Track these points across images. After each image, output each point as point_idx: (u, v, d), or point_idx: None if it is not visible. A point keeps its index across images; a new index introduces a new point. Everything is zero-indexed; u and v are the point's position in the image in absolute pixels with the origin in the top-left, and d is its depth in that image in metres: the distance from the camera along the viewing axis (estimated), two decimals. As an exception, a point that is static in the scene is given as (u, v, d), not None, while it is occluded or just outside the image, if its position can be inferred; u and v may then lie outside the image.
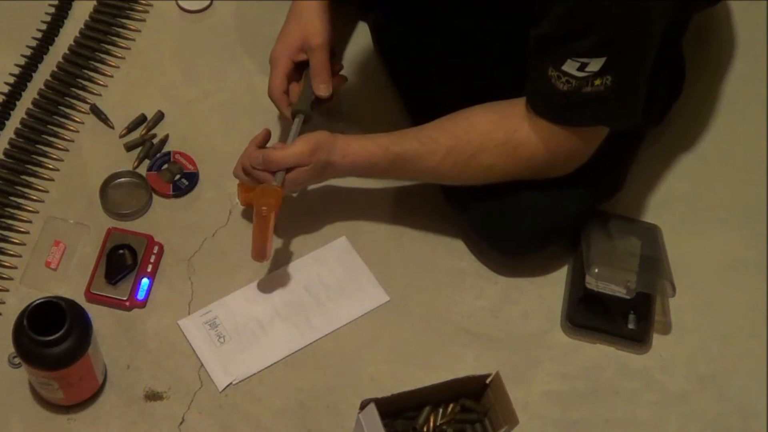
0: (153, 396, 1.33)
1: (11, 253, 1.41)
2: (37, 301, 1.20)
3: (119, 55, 1.60)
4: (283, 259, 1.43)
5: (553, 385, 1.38)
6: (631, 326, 1.40)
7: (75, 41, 1.60)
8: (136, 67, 1.59)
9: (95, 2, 1.64)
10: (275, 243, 1.43)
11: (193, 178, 1.49)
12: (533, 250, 1.43)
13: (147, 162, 1.50)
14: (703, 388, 1.39)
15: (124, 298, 1.38)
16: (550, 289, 1.44)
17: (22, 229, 1.43)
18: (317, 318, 1.39)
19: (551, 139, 1.29)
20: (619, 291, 1.37)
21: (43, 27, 1.61)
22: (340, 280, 1.42)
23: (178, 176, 1.48)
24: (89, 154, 1.51)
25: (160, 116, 1.54)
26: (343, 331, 1.39)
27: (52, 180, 1.48)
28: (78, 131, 1.53)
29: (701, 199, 1.53)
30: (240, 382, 1.34)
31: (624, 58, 1.20)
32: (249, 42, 1.62)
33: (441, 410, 1.28)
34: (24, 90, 1.55)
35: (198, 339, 1.36)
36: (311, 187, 1.44)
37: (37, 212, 1.45)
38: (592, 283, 1.36)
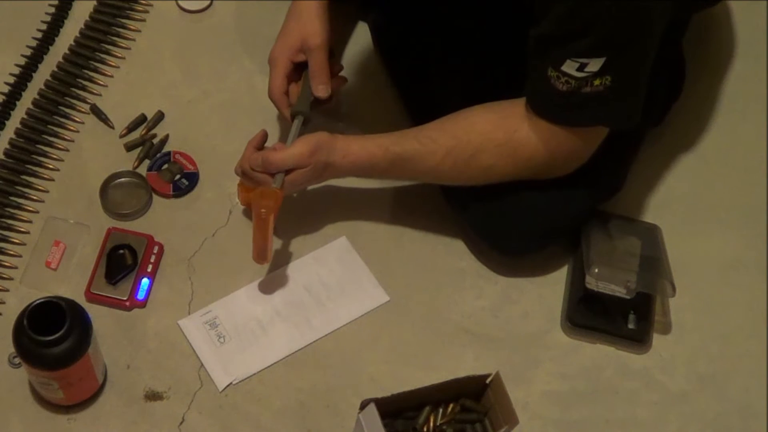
0: (153, 396, 1.33)
1: (11, 253, 1.41)
2: (37, 301, 1.20)
3: (119, 55, 1.60)
4: (283, 259, 1.43)
5: (553, 385, 1.38)
6: (631, 326, 1.40)
7: (75, 41, 1.60)
8: (136, 67, 1.59)
9: (95, 2, 1.64)
10: (275, 243, 1.43)
11: (193, 178, 1.49)
12: (533, 250, 1.43)
13: (147, 162, 1.50)
14: (703, 388, 1.39)
15: (124, 298, 1.38)
16: (550, 289, 1.44)
17: (22, 229, 1.43)
18: (317, 318, 1.39)
19: (551, 139, 1.29)
20: (619, 291, 1.37)
21: (44, 27, 1.61)
22: (340, 280, 1.42)
23: (178, 176, 1.48)
24: (89, 154, 1.51)
25: (160, 116, 1.54)
26: (343, 331, 1.39)
27: (53, 180, 1.48)
28: (78, 131, 1.53)
29: (701, 199, 1.53)
30: (240, 382, 1.34)
31: (623, 58, 1.20)
32: (249, 42, 1.62)
33: (441, 410, 1.28)
34: (24, 90, 1.55)
35: (198, 339, 1.36)
36: (311, 187, 1.44)
37: (37, 212, 1.45)
38: (592, 283, 1.36)
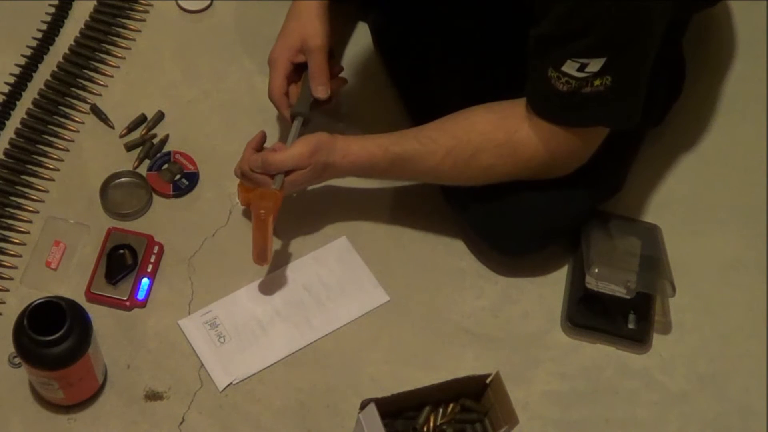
0: (153, 396, 1.33)
1: (11, 252, 1.41)
2: (38, 301, 1.20)
3: (119, 55, 1.60)
4: (283, 259, 1.43)
5: (553, 385, 1.38)
6: (631, 326, 1.40)
7: (75, 41, 1.60)
8: (137, 67, 1.59)
9: (95, 2, 1.64)
10: (275, 243, 1.43)
11: (193, 178, 1.49)
12: (533, 250, 1.43)
13: (147, 162, 1.50)
14: (703, 388, 1.39)
15: (125, 298, 1.38)
16: (550, 289, 1.44)
17: (22, 229, 1.43)
18: (317, 318, 1.39)
19: (551, 139, 1.29)
20: (619, 291, 1.37)
21: (44, 27, 1.61)
22: (340, 280, 1.42)
23: (178, 176, 1.48)
24: (89, 154, 1.51)
25: (160, 116, 1.54)
26: (343, 331, 1.39)
27: (53, 180, 1.48)
28: (78, 131, 1.53)
29: (701, 199, 1.53)
30: (240, 382, 1.34)
31: (624, 58, 1.20)
32: (249, 42, 1.62)
33: (441, 410, 1.28)
34: (24, 90, 1.55)
35: (198, 339, 1.36)
36: (311, 186, 1.44)
37: (37, 212, 1.45)
38: (592, 283, 1.36)
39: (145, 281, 1.39)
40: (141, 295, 1.38)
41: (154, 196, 1.47)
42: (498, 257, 1.44)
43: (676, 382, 1.39)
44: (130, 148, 1.51)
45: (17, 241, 1.42)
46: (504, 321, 1.42)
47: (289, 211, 1.42)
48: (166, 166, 1.49)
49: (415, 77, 1.52)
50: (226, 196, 1.47)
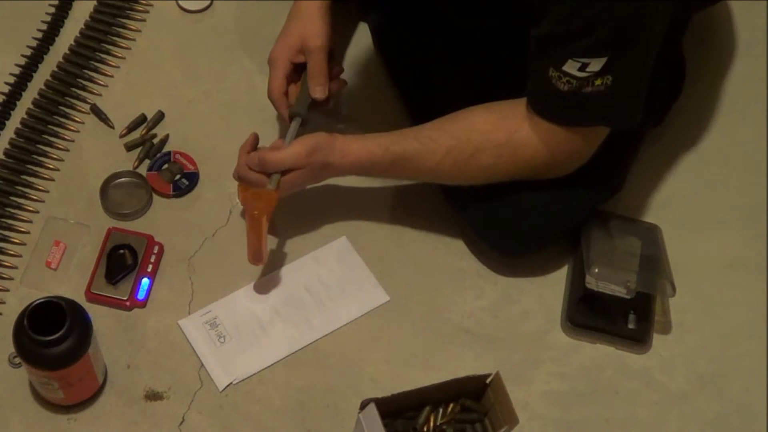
0: (153, 396, 1.33)
1: (11, 252, 1.41)
2: (38, 301, 1.20)
3: (119, 55, 1.60)
4: (283, 259, 1.43)
5: (553, 385, 1.38)
6: (631, 326, 1.40)
7: (75, 41, 1.60)
8: (137, 67, 1.59)
9: (95, 2, 1.64)
10: (275, 243, 1.43)
11: (193, 178, 1.49)
12: (533, 250, 1.43)
13: (147, 162, 1.50)
14: (703, 388, 1.39)
15: (125, 298, 1.38)
16: (550, 289, 1.44)
17: (22, 229, 1.43)
18: (317, 318, 1.39)
19: (551, 139, 1.29)
20: (619, 291, 1.37)
21: (44, 27, 1.61)
22: (340, 280, 1.42)
23: (178, 176, 1.48)
24: (89, 154, 1.51)
25: (160, 116, 1.54)
26: (343, 331, 1.39)
27: (53, 180, 1.48)
28: (78, 131, 1.53)
29: (701, 199, 1.53)
30: (240, 382, 1.34)
31: (625, 58, 1.20)
32: (249, 42, 1.62)
33: (441, 410, 1.28)
34: (24, 90, 1.55)
35: (198, 339, 1.36)
36: (310, 186, 1.44)
37: (37, 212, 1.45)
38: (592, 282, 1.36)
39: (145, 281, 1.39)
40: (141, 295, 1.38)
41: (154, 196, 1.47)
42: (498, 257, 1.44)
43: (676, 382, 1.39)
44: (130, 148, 1.51)
45: (17, 241, 1.42)
46: (504, 321, 1.42)
47: (289, 211, 1.43)
48: (166, 166, 1.49)
49: (415, 77, 1.52)
50: (226, 196, 1.47)
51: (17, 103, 1.54)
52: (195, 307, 1.39)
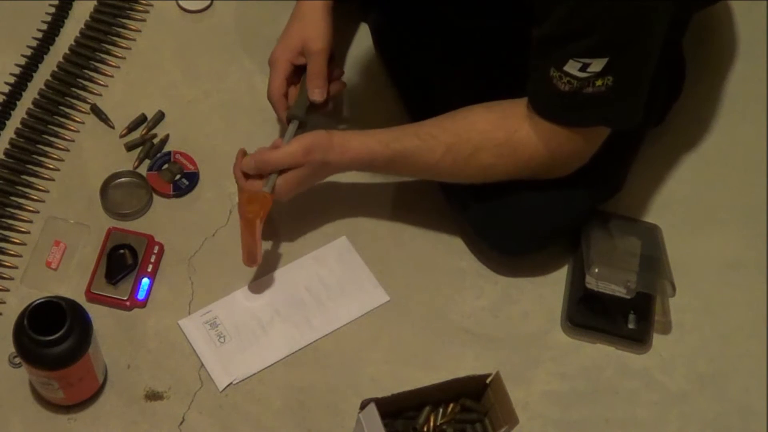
0: (153, 396, 1.33)
1: (12, 252, 1.41)
2: (38, 301, 1.20)
3: (120, 55, 1.60)
4: (283, 259, 1.43)
5: (553, 384, 1.38)
6: (631, 326, 1.40)
7: (75, 41, 1.60)
8: (137, 67, 1.59)
9: (95, 2, 1.64)
10: (275, 243, 1.44)
11: (193, 178, 1.49)
12: (533, 250, 1.43)
13: (147, 162, 1.50)
14: (703, 388, 1.39)
15: (125, 298, 1.38)
16: (550, 289, 1.44)
17: (22, 229, 1.43)
18: (317, 318, 1.39)
19: (552, 139, 1.29)
20: (619, 291, 1.37)
21: (44, 27, 1.61)
22: (340, 280, 1.42)
23: (178, 176, 1.48)
24: (90, 154, 1.51)
25: (160, 116, 1.54)
26: (343, 331, 1.39)
27: (53, 180, 1.48)
28: (78, 131, 1.53)
29: (701, 199, 1.53)
30: (240, 381, 1.34)
31: (626, 58, 1.20)
32: (249, 42, 1.62)
33: (441, 410, 1.28)
34: (24, 90, 1.55)
35: (198, 339, 1.36)
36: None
37: (37, 212, 1.45)
38: (592, 282, 1.36)
39: (145, 281, 1.39)
40: (141, 295, 1.38)
41: (154, 196, 1.47)
42: (498, 257, 1.44)
43: (676, 382, 1.39)
44: (130, 148, 1.51)
45: (17, 241, 1.42)
46: (504, 321, 1.42)
47: (289, 211, 1.43)
48: (166, 166, 1.49)
49: (415, 77, 1.52)
50: (226, 196, 1.47)
51: (17, 103, 1.54)
52: (195, 307, 1.39)
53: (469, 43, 1.47)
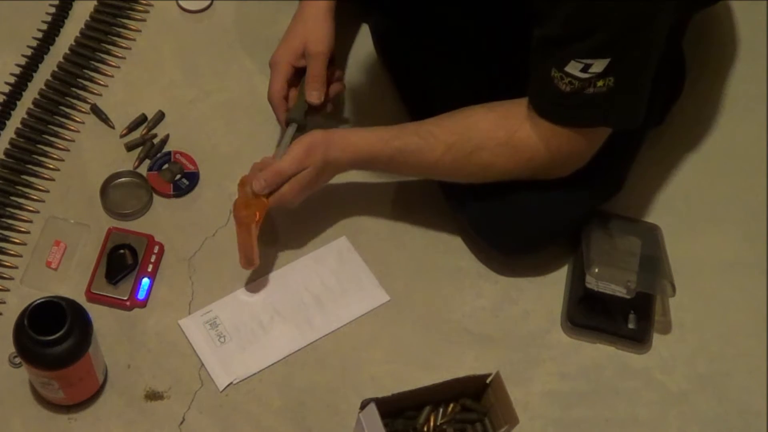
0: (153, 396, 1.33)
1: (12, 252, 1.41)
2: (38, 301, 1.20)
3: (120, 54, 1.60)
4: (283, 259, 1.43)
5: (553, 384, 1.38)
6: (631, 326, 1.40)
7: (75, 41, 1.60)
8: (137, 67, 1.59)
9: (96, 2, 1.64)
10: (276, 243, 1.44)
11: (193, 178, 1.49)
12: (533, 249, 1.43)
13: (147, 162, 1.50)
14: (703, 388, 1.39)
15: (125, 298, 1.38)
16: (550, 289, 1.44)
17: (22, 229, 1.43)
18: (317, 318, 1.39)
19: (552, 139, 1.29)
20: (619, 291, 1.37)
21: (44, 27, 1.61)
22: (340, 280, 1.42)
23: (178, 176, 1.48)
24: (90, 153, 1.51)
25: (160, 116, 1.54)
26: (343, 331, 1.39)
27: (53, 180, 1.48)
28: (78, 131, 1.53)
29: (701, 199, 1.54)
30: (240, 381, 1.34)
31: (627, 59, 1.20)
32: (249, 42, 1.62)
33: (441, 410, 1.28)
34: (25, 90, 1.55)
35: (198, 339, 1.36)
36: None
37: (37, 212, 1.45)
38: (592, 282, 1.36)
39: (145, 281, 1.39)
40: (141, 295, 1.38)
41: (155, 196, 1.47)
42: (498, 257, 1.44)
43: (676, 382, 1.39)
44: (130, 148, 1.51)
45: (18, 241, 1.42)
46: (504, 321, 1.42)
47: (289, 212, 1.42)
48: (166, 166, 1.49)
49: (416, 78, 1.52)
50: (227, 196, 1.47)
51: (18, 102, 1.54)
52: (195, 306, 1.39)
53: (469, 43, 1.47)
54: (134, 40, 1.61)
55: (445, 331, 1.41)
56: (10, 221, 1.44)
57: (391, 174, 1.45)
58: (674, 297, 1.39)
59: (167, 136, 1.52)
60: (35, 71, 1.57)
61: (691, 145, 1.58)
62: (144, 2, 1.65)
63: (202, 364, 1.35)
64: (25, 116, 1.53)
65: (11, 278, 1.40)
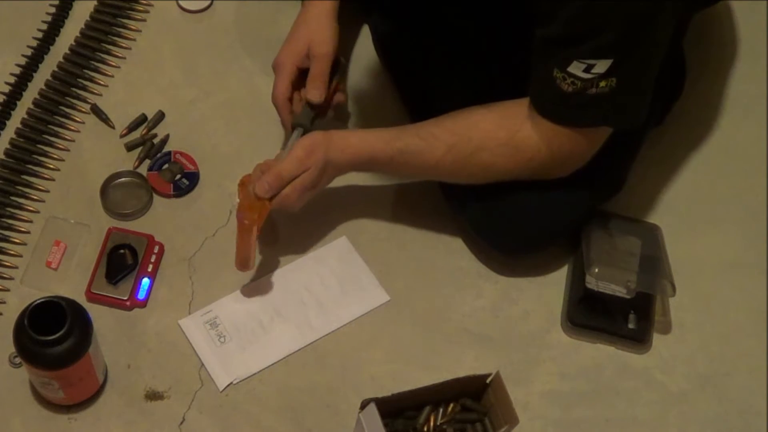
0: (153, 396, 1.33)
1: (12, 252, 1.41)
2: (38, 301, 1.20)
3: (120, 54, 1.60)
4: (283, 259, 1.43)
5: (553, 384, 1.38)
6: (631, 326, 1.40)
7: (76, 41, 1.60)
8: (137, 67, 1.59)
9: (96, 2, 1.64)
10: (276, 243, 1.44)
11: (193, 178, 1.49)
12: (533, 250, 1.43)
13: (147, 162, 1.50)
14: (703, 388, 1.39)
15: (125, 298, 1.38)
16: (550, 289, 1.44)
17: (22, 229, 1.43)
18: (317, 318, 1.39)
19: (553, 139, 1.29)
20: (619, 291, 1.37)
21: (44, 27, 1.61)
22: (340, 280, 1.42)
23: (178, 176, 1.48)
24: (90, 153, 1.51)
25: (160, 116, 1.54)
26: (343, 331, 1.39)
27: (53, 180, 1.48)
28: (79, 131, 1.53)
29: (701, 199, 1.54)
30: (240, 381, 1.34)
31: (631, 60, 1.20)
32: (249, 42, 1.62)
33: (441, 410, 1.28)
34: (25, 90, 1.55)
35: (198, 339, 1.36)
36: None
37: (37, 212, 1.45)
38: (592, 282, 1.36)
39: (145, 281, 1.39)
40: (141, 295, 1.38)
41: (155, 195, 1.47)
42: (498, 257, 1.44)
43: (676, 382, 1.39)
44: (130, 147, 1.51)
45: (18, 241, 1.42)
46: (504, 321, 1.42)
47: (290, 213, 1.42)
48: (166, 165, 1.49)
49: (417, 79, 1.52)
50: (227, 196, 1.47)
51: (18, 102, 1.54)
52: (195, 306, 1.39)
53: (469, 43, 1.47)
54: (134, 40, 1.61)
55: (445, 331, 1.41)
56: (10, 221, 1.44)
57: (391, 175, 1.45)
58: (674, 297, 1.39)
59: (167, 136, 1.52)
60: (35, 71, 1.57)
61: (691, 146, 1.58)
62: (144, 2, 1.65)
63: (202, 364, 1.35)
64: (25, 116, 1.53)
65: (11, 278, 1.40)
